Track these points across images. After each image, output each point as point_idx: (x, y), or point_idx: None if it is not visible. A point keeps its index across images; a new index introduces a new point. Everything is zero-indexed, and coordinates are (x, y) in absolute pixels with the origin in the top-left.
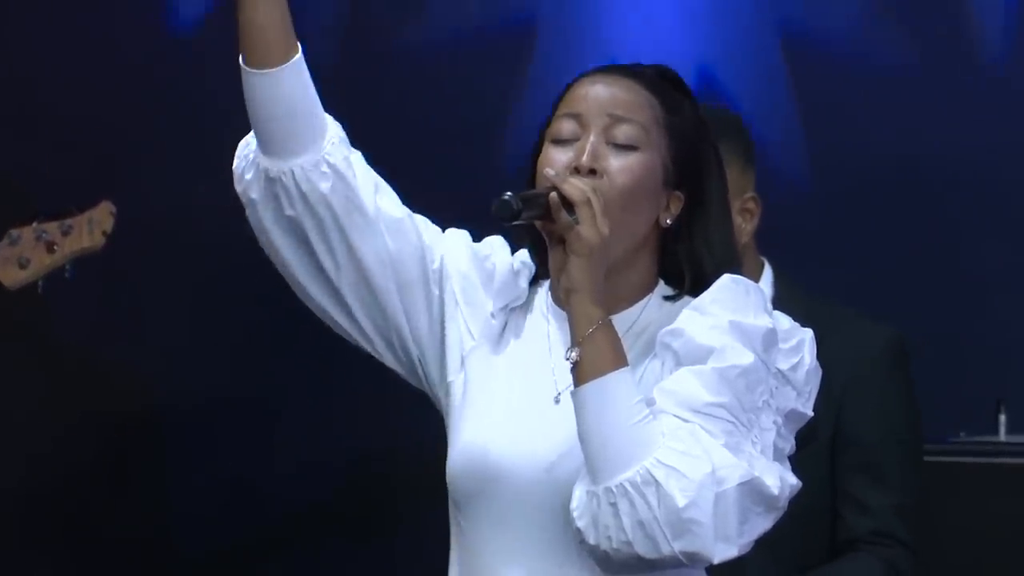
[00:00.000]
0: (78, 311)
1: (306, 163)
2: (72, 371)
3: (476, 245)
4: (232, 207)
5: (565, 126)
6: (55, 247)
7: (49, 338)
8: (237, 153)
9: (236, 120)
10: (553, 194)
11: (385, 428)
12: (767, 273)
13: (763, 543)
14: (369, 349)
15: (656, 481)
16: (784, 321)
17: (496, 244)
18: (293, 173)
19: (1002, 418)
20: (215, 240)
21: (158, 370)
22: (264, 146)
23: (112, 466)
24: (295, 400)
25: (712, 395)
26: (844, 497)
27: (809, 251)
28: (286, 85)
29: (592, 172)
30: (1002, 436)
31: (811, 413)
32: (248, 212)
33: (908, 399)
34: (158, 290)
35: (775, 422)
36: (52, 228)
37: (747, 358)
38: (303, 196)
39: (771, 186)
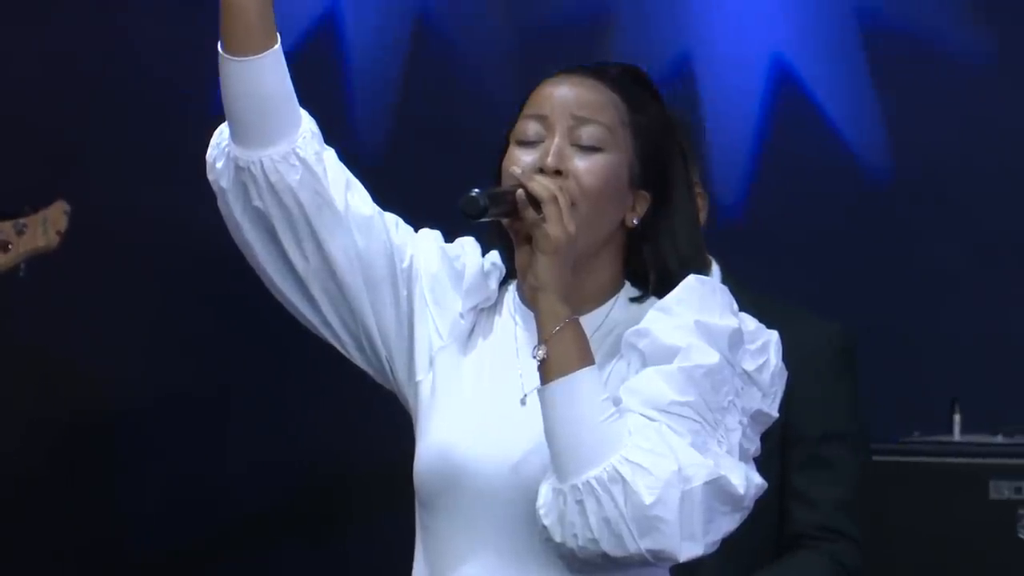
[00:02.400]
0: (30, 311)
1: (276, 154)
2: (23, 370)
3: (447, 245)
4: (187, 207)
5: (530, 127)
6: (9, 246)
7: (2, 337)
8: (211, 142)
9: (192, 121)
10: (520, 191)
11: (340, 429)
12: (715, 271)
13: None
14: (339, 347)
15: (623, 479)
16: (750, 322)
17: (467, 245)
18: (262, 163)
19: (956, 418)
20: (169, 240)
21: (110, 369)
22: (236, 135)
23: (63, 466)
24: (248, 400)
25: (678, 394)
26: (790, 492)
27: (763, 249)
28: (263, 74)
29: (557, 173)
30: (956, 436)
31: (776, 414)
32: (219, 202)
33: (853, 396)
34: (111, 289)
35: (741, 422)
36: (6, 227)
37: (712, 358)
38: (271, 187)
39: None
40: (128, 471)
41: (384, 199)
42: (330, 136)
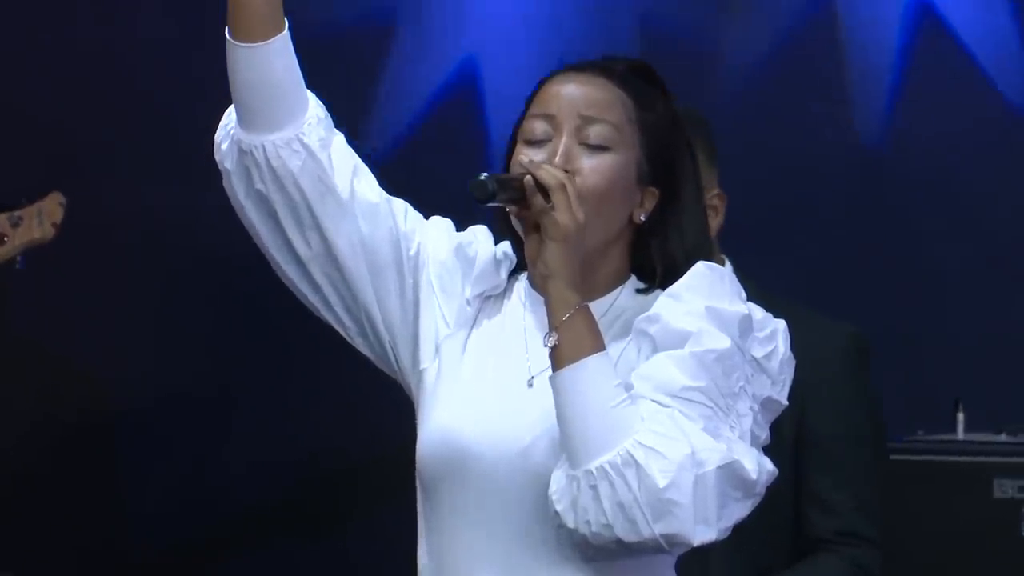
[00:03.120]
0: (33, 309)
1: (279, 140)
2: (26, 369)
3: (459, 234)
4: (189, 205)
5: (537, 126)
6: (5, 239)
7: (2, 335)
8: (220, 123)
9: (197, 119)
10: (528, 177)
11: (342, 425)
12: (728, 270)
13: (727, 538)
14: (342, 332)
15: (636, 462)
16: (758, 311)
17: (480, 233)
18: (264, 148)
19: (960, 416)
20: (171, 238)
21: (112, 368)
22: (242, 119)
23: (65, 464)
24: (251, 397)
25: (690, 379)
26: (808, 496)
27: (767, 248)
28: (270, 61)
29: (565, 173)
30: (960, 434)
31: (786, 402)
32: (224, 182)
33: (869, 396)
34: (113, 288)
35: (752, 408)
36: (1, 220)
37: (724, 343)
38: (273, 172)
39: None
40: (130, 468)
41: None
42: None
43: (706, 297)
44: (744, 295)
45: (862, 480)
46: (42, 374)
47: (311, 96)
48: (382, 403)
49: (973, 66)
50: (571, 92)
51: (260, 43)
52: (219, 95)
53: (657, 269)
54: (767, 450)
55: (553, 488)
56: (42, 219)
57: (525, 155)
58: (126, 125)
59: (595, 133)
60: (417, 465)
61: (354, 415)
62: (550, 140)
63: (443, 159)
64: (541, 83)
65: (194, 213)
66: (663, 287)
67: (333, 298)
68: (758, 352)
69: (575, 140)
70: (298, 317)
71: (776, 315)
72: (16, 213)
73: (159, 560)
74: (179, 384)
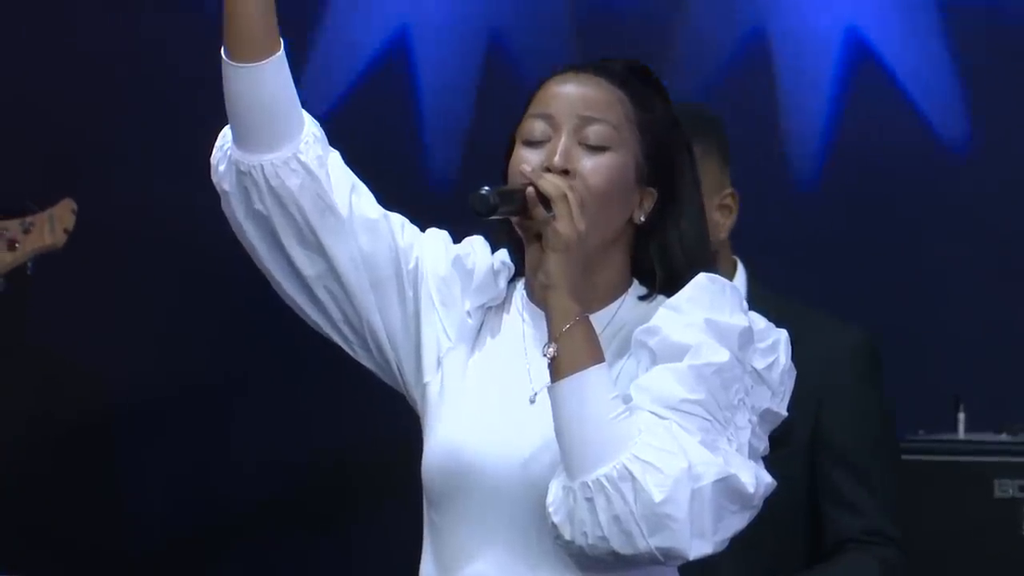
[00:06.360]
0: (33, 307)
1: (277, 159)
2: (26, 367)
3: (455, 245)
4: (193, 206)
5: (536, 127)
6: (16, 245)
7: (4, 334)
8: (216, 144)
9: (203, 119)
10: (530, 189)
11: (342, 424)
12: (740, 272)
13: (737, 545)
14: (346, 348)
15: (632, 476)
16: (760, 321)
17: (476, 244)
18: (263, 168)
19: (961, 416)
20: (173, 237)
21: (112, 366)
22: (239, 139)
23: (65, 462)
24: (251, 396)
25: (688, 392)
26: (831, 499)
27: (770, 250)
28: (265, 80)
29: (564, 173)
30: (961, 434)
31: (785, 413)
32: (223, 204)
33: (883, 399)
34: (114, 286)
35: (750, 421)
36: (13, 226)
37: (723, 356)
38: (272, 191)
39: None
40: (130, 467)
41: (456, 227)
42: (403, 163)
43: (706, 309)
44: (746, 306)
45: (884, 481)
46: (43, 373)
47: (306, 114)
48: (384, 402)
49: (912, 112)
50: (569, 92)
51: (256, 63)
52: (221, 94)
53: (657, 271)
54: (779, 455)
55: (550, 499)
56: (54, 225)
57: (524, 157)
58: (127, 125)
59: (594, 133)
60: (423, 478)
61: (356, 414)
62: (549, 140)
63: (373, 128)
64: (539, 84)
65: (197, 213)
66: (664, 290)
67: (337, 315)
68: (759, 363)
69: (574, 140)
70: (300, 317)
71: (788, 317)
72: (28, 219)
73: (159, 560)
74: (180, 383)
